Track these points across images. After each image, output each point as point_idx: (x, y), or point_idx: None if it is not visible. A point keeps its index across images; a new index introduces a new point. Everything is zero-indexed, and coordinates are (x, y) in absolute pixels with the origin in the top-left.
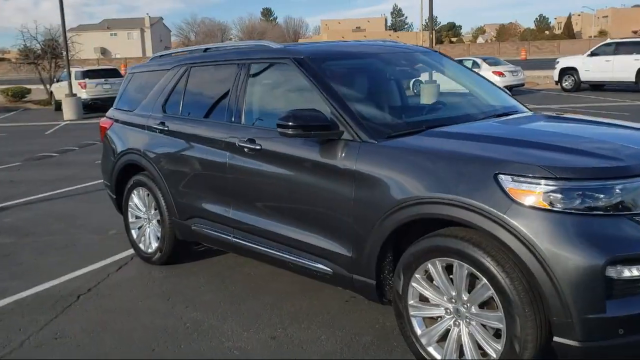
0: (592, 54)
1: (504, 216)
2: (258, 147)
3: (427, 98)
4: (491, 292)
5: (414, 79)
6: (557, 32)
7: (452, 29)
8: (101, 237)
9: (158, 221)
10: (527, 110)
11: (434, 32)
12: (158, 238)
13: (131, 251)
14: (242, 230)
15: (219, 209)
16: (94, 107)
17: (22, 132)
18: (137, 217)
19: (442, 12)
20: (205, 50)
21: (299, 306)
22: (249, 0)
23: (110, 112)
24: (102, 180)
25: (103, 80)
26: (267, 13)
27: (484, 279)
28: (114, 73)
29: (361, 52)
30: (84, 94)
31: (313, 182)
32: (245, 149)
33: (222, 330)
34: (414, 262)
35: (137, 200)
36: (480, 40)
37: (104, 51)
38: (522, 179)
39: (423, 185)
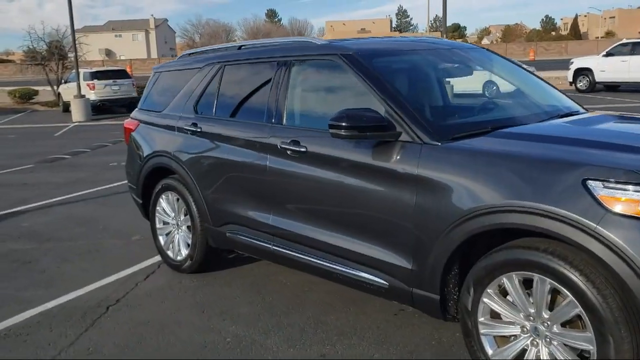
0: (608, 54)
1: (597, 226)
2: (303, 150)
3: (486, 96)
4: (579, 309)
5: (469, 76)
6: (564, 32)
7: (457, 30)
8: (125, 242)
9: (188, 227)
10: (586, 110)
11: (441, 33)
12: (188, 245)
13: (158, 258)
14: (284, 238)
15: (258, 215)
16: (103, 108)
17: (31, 134)
18: (165, 223)
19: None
20: (240, 47)
21: (344, 320)
22: (253, 1)
23: (135, 113)
24: (119, 183)
25: (112, 81)
26: (271, 14)
27: (569, 295)
28: (122, 74)
29: (410, 48)
30: (92, 95)
31: (366, 187)
32: (289, 151)
33: (267, 346)
34: (487, 276)
35: (165, 205)
36: (485, 41)
37: (108, 53)
38: (615, 185)
39: (498, 192)
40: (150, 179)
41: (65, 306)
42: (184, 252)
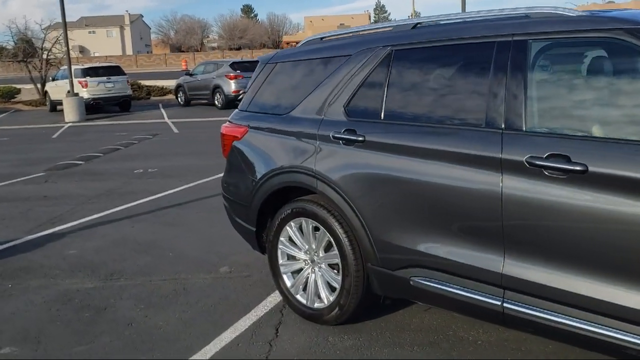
0: None
1: None
2: (580, 169)
3: None
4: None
5: None
6: None
7: None
8: (214, 277)
9: (331, 265)
10: None
11: None
12: (334, 289)
13: (271, 300)
14: (526, 293)
15: (477, 258)
16: (95, 107)
17: (25, 136)
18: (293, 258)
19: (424, 8)
20: (415, 26)
21: None
22: None
23: (238, 117)
24: (159, 195)
25: (105, 78)
26: (247, 10)
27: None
28: (116, 71)
29: None
30: (85, 94)
31: None
32: (547, 171)
33: None
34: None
35: (295, 235)
36: None
37: (82, 49)
38: None
39: None
40: (272, 202)
41: None
42: (327, 297)
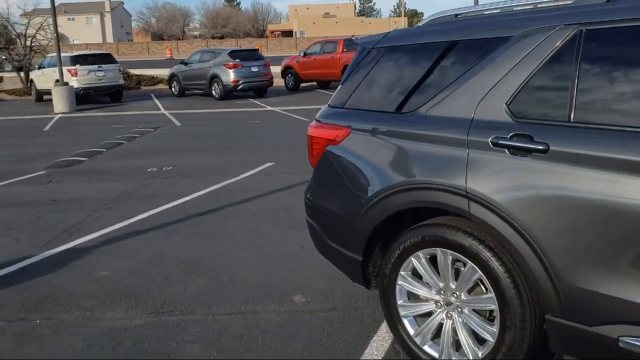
0: None
1: None
2: None
3: None
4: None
5: None
6: None
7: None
8: (289, 310)
9: (477, 311)
10: None
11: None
12: (482, 341)
13: (379, 346)
14: None
15: None
16: (85, 97)
17: (14, 129)
18: (417, 298)
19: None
20: None
21: None
22: None
23: (333, 115)
24: (183, 200)
25: (96, 67)
26: None
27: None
28: (107, 59)
29: None
30: (75, 83)
31: None
32: None
33: None
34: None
35: (423, 268)
36: None
37: (61, 37)
38: None
39: None
40: (390, 226)
41: None
42: (472, 351)
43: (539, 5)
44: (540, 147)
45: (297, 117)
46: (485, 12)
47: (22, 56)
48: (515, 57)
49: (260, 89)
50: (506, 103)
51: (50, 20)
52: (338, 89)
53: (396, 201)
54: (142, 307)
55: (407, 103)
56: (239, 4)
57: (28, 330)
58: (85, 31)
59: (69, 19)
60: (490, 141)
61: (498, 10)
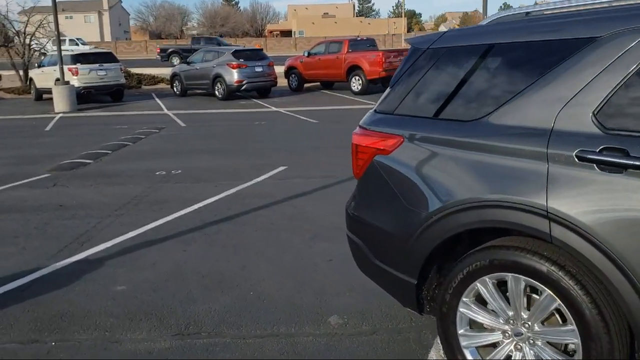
0: None
1: None
2: None
3: None
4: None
5: None
6: None
7: (413, 17)
8: (327, 333)
9: (551, 343)
10: None
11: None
12: None
13: None
14: None
15: None
16: (86, 97)
17: (14, 128)
18: (481, 327)
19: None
20: None
21: None
22: None
23: (381, 121)
24: (198, 207)
25: (97, 65)
26: None
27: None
28: (108, 57)
29: None
30: (76, 82)
31: None
32: None
33: None
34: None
35: (490, 295)
36: (442, 28)
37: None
38: None
39: None
40: (450, 247)
41: None
42: None
43: (625, 3)
44: (639, 164)
45: (303, 118)
46: (562, 10)
47: (21, 54)
48: (604, 60)
49: (264, 90)
50: (593, 112)
51: (50, 18)
52: (386, 93)
53: (461, 220)
54: (165, 328)
55: (472, 110)
56: (237, 3)
57: (43, 354)
58: (83, 30)
59: (66, 18)
60: (576, 155)
61: (577, 9)
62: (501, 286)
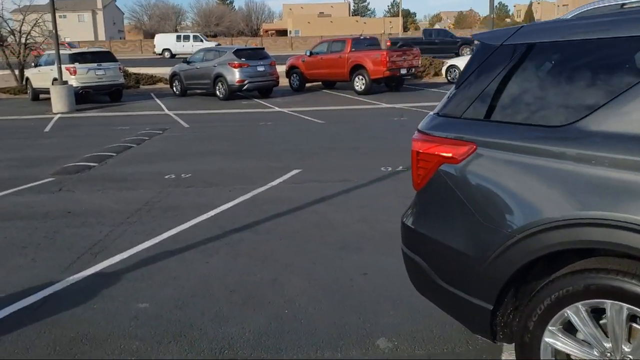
0: None
1: None
2: None
3: None
4: None
5: None
6: (518, 20)
7: (408, 16)
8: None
9: None
10: None
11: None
12: None
13: None
14: None
15: None
16: (84, 97)
17: (13, 129)
18: (568, 358)
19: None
20: None
21: None
22: None
23: (447, 126)
24: (216, 212)
25: (96, 65)
26: None
27: None
28: (107, 57)
29: None
30: (74, 82)
31: None
32: None
33: None
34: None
35: (583, 324)
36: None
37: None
38: None
39: None
40: (528, 268)
41: None
42: None
43: None
44: None
45: (308, 118)
46: None
47: (16, 53)
48: None
49: (265, 89)
50: None
51: (46, 17)
52: (451, 93)
53: (551, 240)
54: (197, 352)
55: (563, 114)
56: (232, 2)
57: None
58: (77, 29)
59: (60, 17)
60: None
61: None
62: (594, 313)
